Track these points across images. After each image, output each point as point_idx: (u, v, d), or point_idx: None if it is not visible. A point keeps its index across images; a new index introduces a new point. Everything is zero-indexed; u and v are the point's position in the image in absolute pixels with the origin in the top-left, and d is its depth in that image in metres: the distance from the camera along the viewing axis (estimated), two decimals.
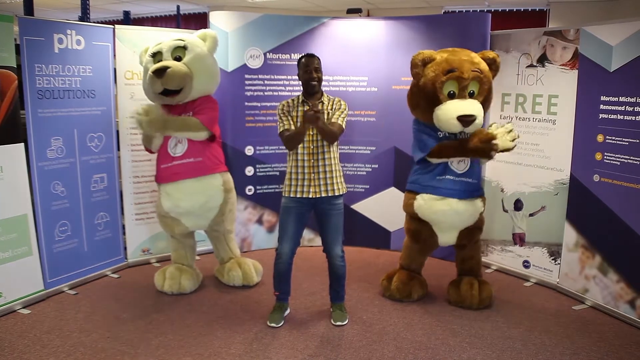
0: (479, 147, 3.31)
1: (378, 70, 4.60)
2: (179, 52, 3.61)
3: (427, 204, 3.50)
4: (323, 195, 3.24)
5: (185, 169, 3.60)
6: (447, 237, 3.60)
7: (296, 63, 3.32)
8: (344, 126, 3.25)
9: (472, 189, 3.50)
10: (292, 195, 3.25)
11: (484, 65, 3.44)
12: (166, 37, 3.72)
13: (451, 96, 3.37)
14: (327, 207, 3.27)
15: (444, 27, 4.41)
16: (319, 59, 3.27)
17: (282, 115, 3.26)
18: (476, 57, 3.46)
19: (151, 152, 3.74)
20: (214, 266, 4.18)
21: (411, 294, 3.69)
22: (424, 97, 3.45)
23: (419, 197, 3.54)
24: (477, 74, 3.36)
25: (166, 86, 3.50)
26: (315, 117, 3.00)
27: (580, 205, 3.75)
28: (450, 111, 3.32)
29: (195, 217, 3.72)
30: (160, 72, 3.46)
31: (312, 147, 3.21)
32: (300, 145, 3.21)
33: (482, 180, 3.62)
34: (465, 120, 3.29)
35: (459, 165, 3.46)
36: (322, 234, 3.34)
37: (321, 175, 3.23)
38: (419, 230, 3.63)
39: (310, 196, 3.23)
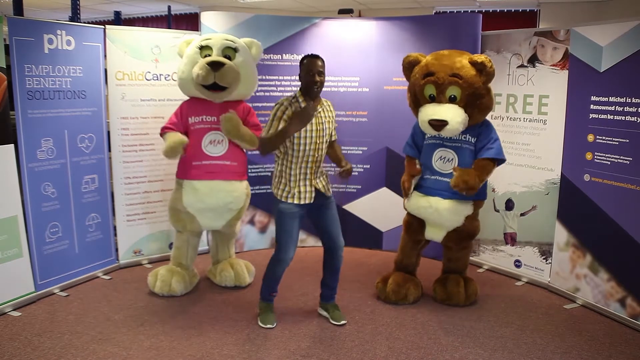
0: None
1: (369, 70, 4.61)
2: (229, 52, 3.63)
3: (413, 200, 3.60)
4: (327, 195, 3.27)
5: (221, 170, 3.65)
6: (432, 233, 3.63)
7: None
8: None
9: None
10: (296, 202, 3.17)
11: (466, 71, 3.34)
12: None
13: (432, 99, 3.44)
14: (323, 201, 3.28)
15: (435, 28, 4.42)
16: (323, 61, 3.15)
17: (277, 118, 3.13)
18: (460, 62, 3.37)
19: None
20: (206, 267, 4.16)
21: (407, 296, 3.65)
22: (411, 97, 3.59)
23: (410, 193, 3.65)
24: (455, 80, 3.34)
25: (219, 81, 3.50)
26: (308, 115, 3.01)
27: (570, 205, 3.77)
28: (425, 114, 3.42)
29: (213, 216, 3.72)
30: (217, 66, 3.48)
31: (317, 155, 3.18)
32: (307, 154, 3.14)
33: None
34: (435, 124, 3.36)
35: (444, 165, 3.50)
36: (325, 227, 3.30)
37: (320, 177, 3.26)
38: (411, 221, 3.71)
39: (313, 201, 3.21)
